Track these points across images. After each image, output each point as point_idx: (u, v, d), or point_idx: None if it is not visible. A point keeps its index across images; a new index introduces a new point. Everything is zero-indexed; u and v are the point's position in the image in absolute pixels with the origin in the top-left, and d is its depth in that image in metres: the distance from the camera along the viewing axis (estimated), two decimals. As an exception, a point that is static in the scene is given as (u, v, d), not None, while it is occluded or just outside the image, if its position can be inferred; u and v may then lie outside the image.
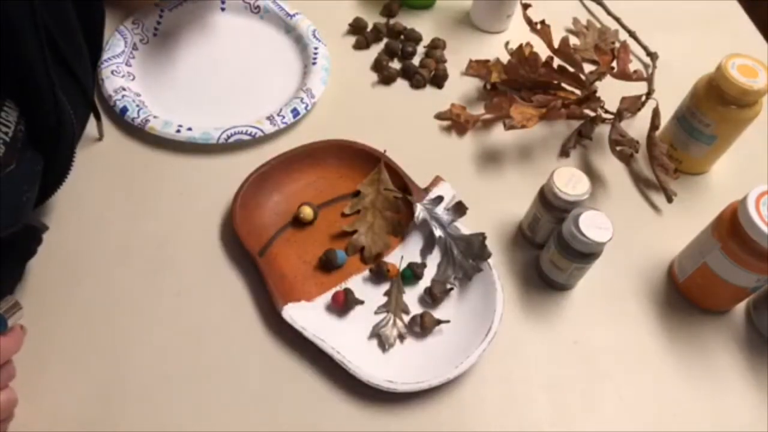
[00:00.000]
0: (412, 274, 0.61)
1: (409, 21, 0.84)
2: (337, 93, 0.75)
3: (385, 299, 0.60)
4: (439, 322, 0.58)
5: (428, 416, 0.55)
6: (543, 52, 0.73)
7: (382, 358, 0.57)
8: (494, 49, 0.81)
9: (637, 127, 0.75)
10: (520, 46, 0.75)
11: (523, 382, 0.57)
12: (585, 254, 0.58)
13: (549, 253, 0.60)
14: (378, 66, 0.78)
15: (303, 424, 0.54)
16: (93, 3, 0.64)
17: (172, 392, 0.54)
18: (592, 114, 0.74)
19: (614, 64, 0.74)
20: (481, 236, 0.60)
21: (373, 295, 0.60)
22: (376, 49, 0.81)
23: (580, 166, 0.72)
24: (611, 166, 0.73)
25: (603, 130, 0.74)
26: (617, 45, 0.77)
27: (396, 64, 0.80)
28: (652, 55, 0.81)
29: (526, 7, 0.74)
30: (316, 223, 0.64)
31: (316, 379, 0.56)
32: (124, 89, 0.70)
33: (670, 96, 0.72)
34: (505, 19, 0.84)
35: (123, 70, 0.72)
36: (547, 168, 0.62)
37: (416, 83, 0.77)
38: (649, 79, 0.76)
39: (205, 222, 0.64)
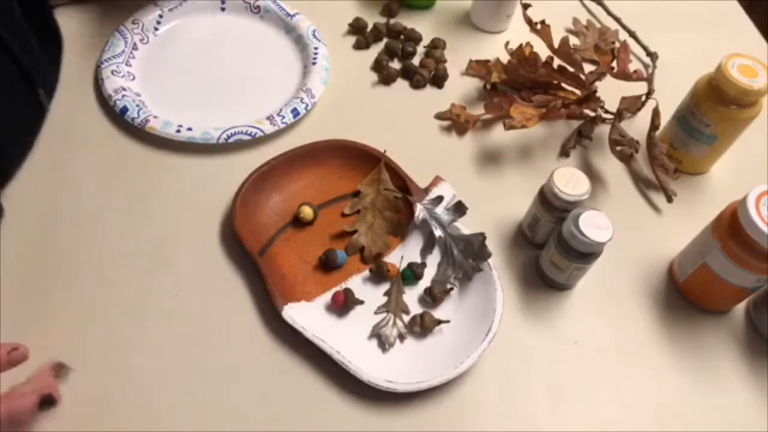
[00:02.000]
0: (412, 274, 0.61)
1: (409, 21, 0.84)
2: (337, 93, 0.75)
3: (385, 299, 0.60)
4: (439, 322, 0.58)
5: (428, 416, 0.55)
6: (543, 52, 0.73)
7: (382, 358, 0.57)
8: (494, 49, 0.81)
9: (637, 127, 0.75)
10: (520, 46, 0.75)
11: (523, 382, 0.57)
12: (585, 254, 0.58)
13: (549, 253, 0.60)
14: (378, 66, 0.78)
15: (303, 424, 0.54)
16: None
17: (171, 392, 0.54)
18: (592, 114, 0.74)
19: (614, 64, 0.74)
20: (481, 236, 0.60)
21: (373, 295, 0.60)
22: (376, 49, 0.81)
23: (580, 166, 0.72)
24: (611, 166, 0.73)
25: (603, 130, 0.74)
26: (617, 45, 0.77)
27: (396, 64, 0.80)
28: (652, 55, 0.81)
29: (526, 7, 0.74)
30: (316, 223, 0.64)
31: (316, 379, 0.56)
32: (124, 89, 0.70)
33: (670, 96, 0.72)
34: (505, 19, 0.84)
35: (123, 70, 0.72)
36: (547, 168, 0.62)
37: (416, 83, 0.77)
38: (649, 79, 0.76)
39: (205, 222, 0.64)
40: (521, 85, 0.76)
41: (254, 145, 0.69)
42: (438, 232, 0.63)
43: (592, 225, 0.56)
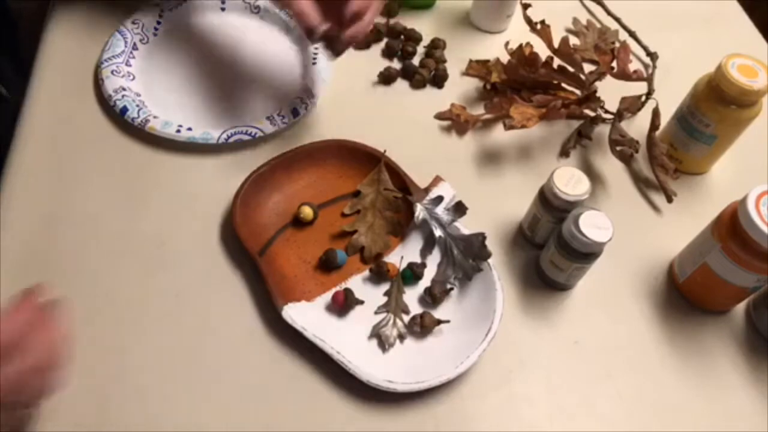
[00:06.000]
0: (412, 274, 0.61)
1: (409, 21, 0.83)
2: (337, 93, 0.75)
3: (385, 299, 0.60)
4: (439, 322, 0.58)
5: (428, 416, 0.55)
6: (543, 52, 0.73)
7: (382, 358, 0.57)
8: (494, 49, 0.81)
9: (637, 127, 0.75)
10: (520, 46, 0.75)
11: (523, 382, 0.57)
12: (585, 254, 0.58)
13: (549, 253, 0.60)
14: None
15: (303, 424, 0.54)
16: None
17: (171, 392, 0.54)
18: (592, 114, 0.74)
19: (614, 64, 0.74)
20: (481, 236, 0.60)
21: (373, 295, 0.60)
22: (376, 49, 0.81)
23: (580, 166, 0.71)
24: (611, 166, 0.73)
25: (603, 130, 0.74)
26: (617, 45, 0.77)
27: (396, 64, 0.80)
28: (652, 55, 0.81)
29: (526, 7, 0.74)
30: (316, 223, 0.64)
31: (316, 379, 0.56)
32: (124, 89, 0.70)
33: (670, 96, 0.72)
34: (505, 19, 0.84)
35: (123, 70, 0.72)
36: (547, 168, 0.62)
37: (416, 83, 0.77)
38: (649, 79, 0.76)
39: (205, 222, 0.64)
40: (521, 85, 0.76)
41: (254, 145, 0.69)
42: (438, 232, 0.63)
43: (592, 225, 0.56)
